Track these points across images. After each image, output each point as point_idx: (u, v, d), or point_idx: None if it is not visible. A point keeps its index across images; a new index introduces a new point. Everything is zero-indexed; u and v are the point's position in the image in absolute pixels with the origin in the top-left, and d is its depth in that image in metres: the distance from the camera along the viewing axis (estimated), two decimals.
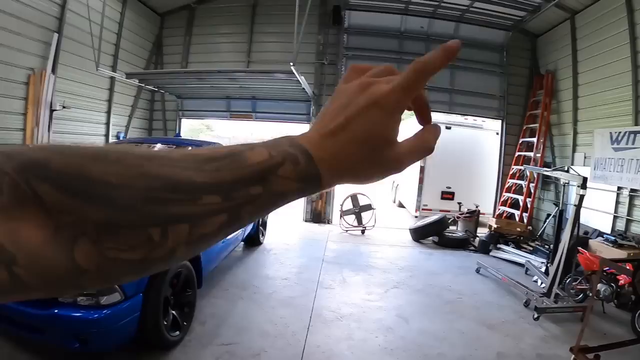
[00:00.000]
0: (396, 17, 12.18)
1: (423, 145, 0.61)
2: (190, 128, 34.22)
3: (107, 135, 11.72)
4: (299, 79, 9.42)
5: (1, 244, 0.39)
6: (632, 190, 8.44)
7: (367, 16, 12.20)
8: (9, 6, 7.98)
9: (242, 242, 8.36)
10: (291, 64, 8.62)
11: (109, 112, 11.72)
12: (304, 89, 10.67)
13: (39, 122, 8.95)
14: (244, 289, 6.28)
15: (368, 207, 11.29)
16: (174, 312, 4.40)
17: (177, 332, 4.44)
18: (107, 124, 11.72)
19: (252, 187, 0.49)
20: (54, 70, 9.26)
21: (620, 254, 6.83)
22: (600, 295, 6.29)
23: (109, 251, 0.42)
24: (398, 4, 11.65)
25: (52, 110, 9.27)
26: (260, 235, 8.97)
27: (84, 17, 9.37)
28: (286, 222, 11.52)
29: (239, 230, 6.64)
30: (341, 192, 11.72)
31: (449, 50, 0.57)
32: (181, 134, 13.51)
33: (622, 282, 5.99)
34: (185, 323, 4.61)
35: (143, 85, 12.09)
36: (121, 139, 11.91)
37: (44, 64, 9.08)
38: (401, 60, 12.46)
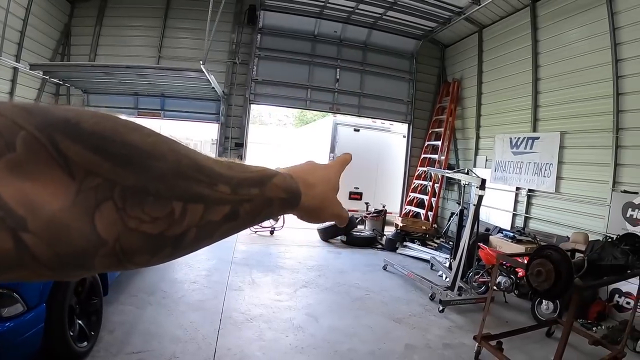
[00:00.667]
0: (311, 20, 12.16)
1: (342, 215, 0.81)
2: None
3: None
4: (209, 78, 9.11)
5: (8, 205, 0.34)
6: (530, 190, 9.05)
7: (282, 17, 12.05)
8: None
9: None
10: (201, 62, 8.35)
11: None
12: (214, 88, 10.34)
13: None
14: (152, 294, 5.91)
15: None
16: (80, 321, 4.08)
17: (85, 343, 4.11)
18: None
19: (253, 188, 0.54)
20: None
21: (519, 248, 7.19)
22: (501, 287, 6.58)
23: (131, 221, 0.41)
24: (313, 8, 11.62)
25: None
26: None
27: None
28: None
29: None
30: None
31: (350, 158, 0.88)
32: None
33: (520, 274, 6.28)
34: (92, 332, 4.29)
35: (48, 77, 11.06)
36: None
37: None
38: (313, 62, 12.55)
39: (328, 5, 11.29)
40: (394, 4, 10.62)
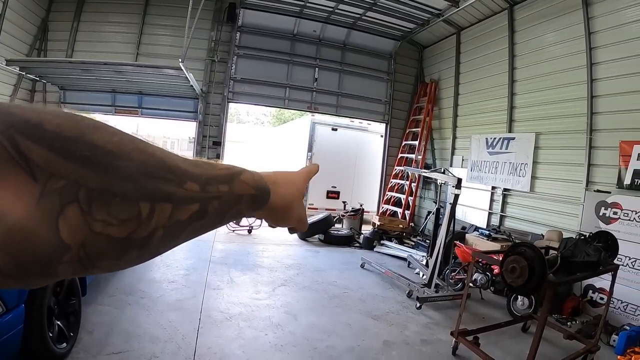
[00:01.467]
0: (290, 19, 12.12)
1: (305, 220, 0.79)
2: None
3: None
4: (188, 76, 9.01)
5: None
6: (505, 189, 9.22)
7: (261, 16, 11.97)
8: None
9: None
10: (180, 60, 8.25)
11: None
12: (192, 86, 10.25)
13: None
14: (130, 294, 5.83)
15: None
16: (59, 322, 4.01)
17: (65, 344, 4.04)
18: None
19: (222, 185, 0.53)
20: None
21: (494, 246, 7.30)
22: (477, 284, 6.68)
23: (96, 224, 0.40)
24: (294, 7, 11.59)
25: None
26: None
27: None
28: None
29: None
30: None
31: (316, 169, 0.85)
32: None
33: (496, 271, 6.38)
34: (72, 334, 4.21)
35: (24, 73, 10.76)
36: None
37: None
38: (292, 62, 12.53)
39: (308, 4, 11.29)
40: (373, 5, 10.66)
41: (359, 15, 11.59)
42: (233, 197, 0.55)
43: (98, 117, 0.46)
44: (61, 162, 0.38)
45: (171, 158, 0.48)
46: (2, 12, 9.91)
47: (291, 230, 0.82)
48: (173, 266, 7.34)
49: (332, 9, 11.40)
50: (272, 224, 0.74)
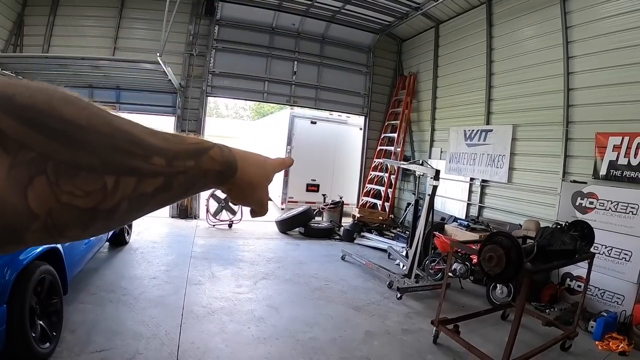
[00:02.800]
0: (269, 12, 12.00)
1: (265, 205, 0.79)
2: None
3: None
4: (165, 70, 8.85)
5: None
6: (484, 180, 9.33)
7: (240, 9, 11.82)
8: None
9: (107, 243, 7.78)
10: (158, 54, 8.12)
11: None
12: (170, 80, 10.08)
13: None
14: (112, 291, 5.79)
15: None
16: (41, 322, 3.98)
17: (47, 344, 4.00)
18: None
19: (189, 160, 0.55)
20: None
21: (472, 236, 7.39)
22: (457, 273, 6.78)
23: (63, 195, 0.41)
24: (272, 0, 11.51)
25: None
26: (126, 234, 8.25)
27: None
28: (152, 219, 10.83)
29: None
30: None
31: (291, 162, 0.85)
32: None
33: (475, 261, 6.47)
34: (54, 333, 4.17)
35: (0, 69, 10.50)
36: None
37: None
38: (271, 55, 12.42)
39: None
40: None
41: (337, 9, 11.53)
42: (199, 172, 0.57)
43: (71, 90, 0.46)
44: (31, 134, 0.39)
45: (140, 132, 0.49)
46: None
47: (252, 213, 0.82)
48: (154, 262, 7.29)
49: (310, 2, 11.33)
50: (233, 201, 0.75)
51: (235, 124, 33.40)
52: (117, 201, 0.46)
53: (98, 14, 11.84)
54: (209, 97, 12.40)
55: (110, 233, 7.30)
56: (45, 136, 0.40)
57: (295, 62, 12.71)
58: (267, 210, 0.81)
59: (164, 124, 14.09)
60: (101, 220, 0.46)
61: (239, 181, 0.67)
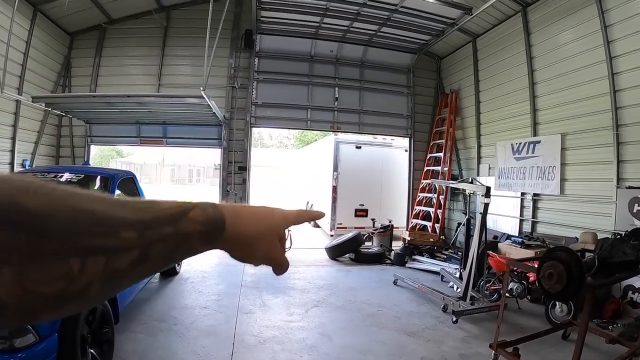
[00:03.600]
0: (307, 41, 12.28)
1: (280, 261, 0.79)
2: (100, 154, 32.94)
3: (12, 164, 10.55)
4: (210, 103, 9.18)
5: None
6: (535, 194, 9.01)
7: (278, 40, 12.18)
8: None
9: (159, 273, 7.91)
10: (201, 88, 8.43)
11: (14, 139, 10.65)
12: (215, 113, 10.41)
13: None
14: (163, 320, 5.87)
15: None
16: (92, 351, 4.04)
17: None
18: (12, 151, 10.65)
19: (165, 227, 0.54)
20: None
21: (528, 253, 7.12)
22: (514, 293, 6.51)
23: (29, 283, 0.42)
24: (309, 29, 11.74)
25: None
26: (177, 265, 8.47)
27: None
28: None
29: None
30: None
31: (319, 215, 0.88)
32: (90, 162, 12.66)
33: (532, 279, 6.21)
34: None
35: (50, 109, 11.19)
36: (27, 167, 10.85)
37: None
38: (312, 83, 12.63)
39: (323, 25, 11.41)
40: (387, 20, 10.70)
41: (374, 32, 11.63)
42: (180, 237, 0.56)
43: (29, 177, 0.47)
44: None
45: (107, 208, 0.49)
46: (26, 51, 10.44)
47: (274, 270, 0.81)
48: (205, 292, 7.38)
49: (346, 28, 11.50)
50: (235, 258, 0.73)
51: (279, 153, 33.87)
52: (85, 283, 0.46)
53: (141, 53, 12.63)
54: (253, 128, 12.66)
55: None
56: (7, 229, 0.41)
57: (336, 88, 12.85)
58: (285, 265, 0.80)
59: (211, 156, 14.47)
60: (73, 302, 0.47)
61: (233, 238, 0.66)
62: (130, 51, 12.59)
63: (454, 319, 6.13)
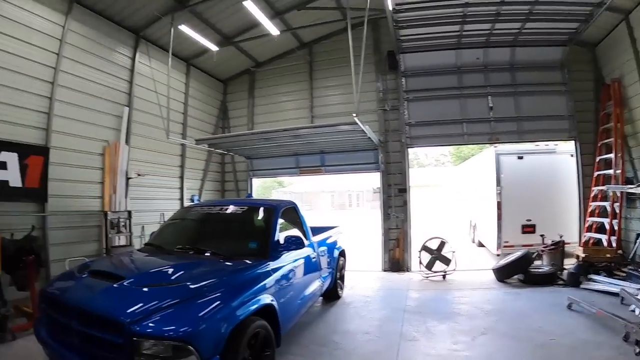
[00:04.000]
0: (450, 52, 12.18)
1: None
2: (263, 185, 35.63)
3: (181, 200, 12.55)
4: (363, 128, 9.55)
5: None
6: None
7: (421, 57, 12.27)
8: (85, 87, 9.21)
9: (321, 297, 8.30)
10: (354, 114, 8.82)
11: (182, 177, 12.65)
12: (369, 137, 10.77)
13: (115, 189, 9.98)
14: (324, 345, 6.10)
15: (444, 248, 11.13)
16: None
17: None
18: (181, 188, 12.57)
19: None
20: (127, 141, 10.36)
21: None
22: None
23: None
24: (450, 39, 11.66)
25: (127, 178, 10.34)
26: (339, 289, 8.89)
27: (151, 90, 10.52)
28: (364, 274, 11.45)
29: (317, 285, 6.20)
30: (418, 239, 11.67)
31: None
32: (253, 193, 14.06)
33: None
34: None
35: (213, 149, 12.81)
36: (195, 201, 12.49)
37: (118, 135, 10.19)
38: (462, 95, 12.44)
39: (464, 33, 11.28)
40: (529, 14, 10.20)
41: (517, 30, 11.12)
42: None
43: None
44: None
45: None
46: (185, 101, 12.82)
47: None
48: (367, 317, 7.56)
49: (489, 31, 11.22)
50: None
51: (436, 171, 33.35)
52: None
53: (291, 89, 14.15)
54: (409, 149, 12.86)
55: (324, 288, 7.76)
56: None
57: (489, 97, 12.41)
58: None
59: (368, 179, 14.97)
60: None
61: None
62: (280, 88, 14.13)
63: (637, 350, 5.51)
